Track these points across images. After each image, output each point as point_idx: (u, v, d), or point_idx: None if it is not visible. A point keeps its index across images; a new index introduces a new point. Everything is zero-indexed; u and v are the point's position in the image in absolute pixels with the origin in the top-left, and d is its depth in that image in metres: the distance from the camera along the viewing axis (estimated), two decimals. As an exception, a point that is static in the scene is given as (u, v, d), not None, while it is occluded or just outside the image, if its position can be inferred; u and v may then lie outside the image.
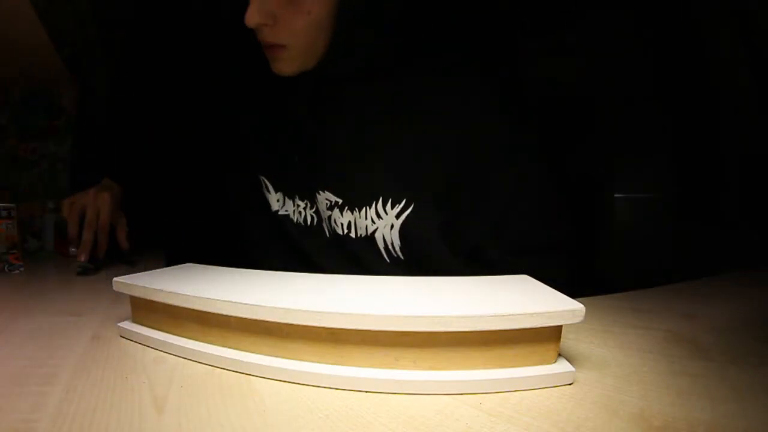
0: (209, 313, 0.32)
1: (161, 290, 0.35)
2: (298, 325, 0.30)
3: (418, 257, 0.60)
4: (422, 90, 0.57)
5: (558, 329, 0.30)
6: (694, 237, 0.85)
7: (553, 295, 0.33)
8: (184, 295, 0.33)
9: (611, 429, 0.24)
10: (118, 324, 0.39)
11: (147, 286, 0.36)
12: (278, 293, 0.34)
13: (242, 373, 0.31)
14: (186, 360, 0.34)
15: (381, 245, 0.60)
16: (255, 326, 0.31)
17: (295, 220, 0.68)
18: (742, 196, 0.74)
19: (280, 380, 0.30)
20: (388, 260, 0.61)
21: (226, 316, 0.32)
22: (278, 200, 0.69)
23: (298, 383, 0.30)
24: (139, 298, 0.37)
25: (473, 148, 0.56)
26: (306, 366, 0.30)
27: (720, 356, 0.34)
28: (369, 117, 0.59)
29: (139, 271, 0.42)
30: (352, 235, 0.61)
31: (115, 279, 0.38)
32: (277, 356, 0.31)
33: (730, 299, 0.51)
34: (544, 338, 0.30)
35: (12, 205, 0.75)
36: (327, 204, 0.62)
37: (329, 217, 0.63)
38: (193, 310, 0.33)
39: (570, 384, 0.29)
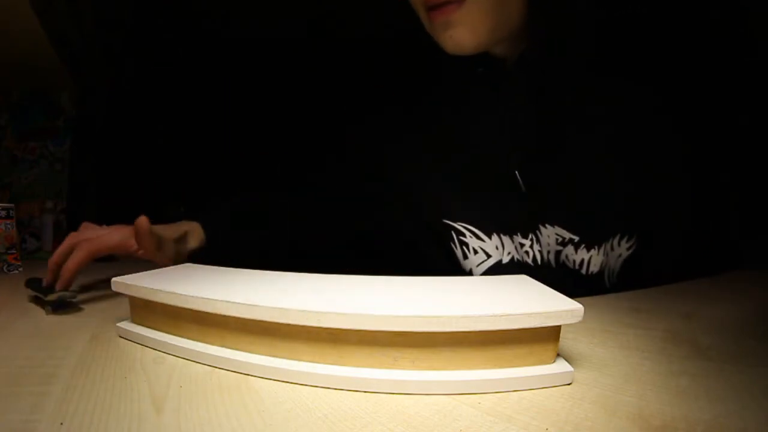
0: (208, 313, 0.32)
1: (160, 290, 0.35)
2: (296, 325, 0.30)
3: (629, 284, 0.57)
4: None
5: (557, 329, 0.30)
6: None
7: (552, 295, 0.33)
8: (182, 295, 0.33)
9: (610, 429, 0.24)
10: (117, 324, 0.39)
11: (146, 286, 0.36)
12: (277, 293, 0.34)
13: (241, 373, 0.31)
14: (185, 360, 0.34)
15: (606, 276, 0.59)
16: (254, 326, 0.31)
17: (525, 260, 0.59)
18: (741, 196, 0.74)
19: (279, 380, 0.30)
20: (608, 285, 0.59)
21: (225, 316, 0.32)
22: (497, 247, 0.58)
23: (297, 383, 0.30)
24: (138, 299, 0.37)
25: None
26: (305, 366, 0.30)
27: (719, 356, 0.34)
28: (600, 131, 0.48)
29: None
30: (583, 272, 0.57)
31: (114, 279, 0.38)
32: (275, 356, 0.31)
33: (730, 299, 0.51)
34: (543, 338, 0.30)
35: (11, 205, 0.75)
36: (558, 240, 0.56)
37: (558, 252, 0.57)
38: (192, 310, 0.33)
39: (569, 384, 0.29)
